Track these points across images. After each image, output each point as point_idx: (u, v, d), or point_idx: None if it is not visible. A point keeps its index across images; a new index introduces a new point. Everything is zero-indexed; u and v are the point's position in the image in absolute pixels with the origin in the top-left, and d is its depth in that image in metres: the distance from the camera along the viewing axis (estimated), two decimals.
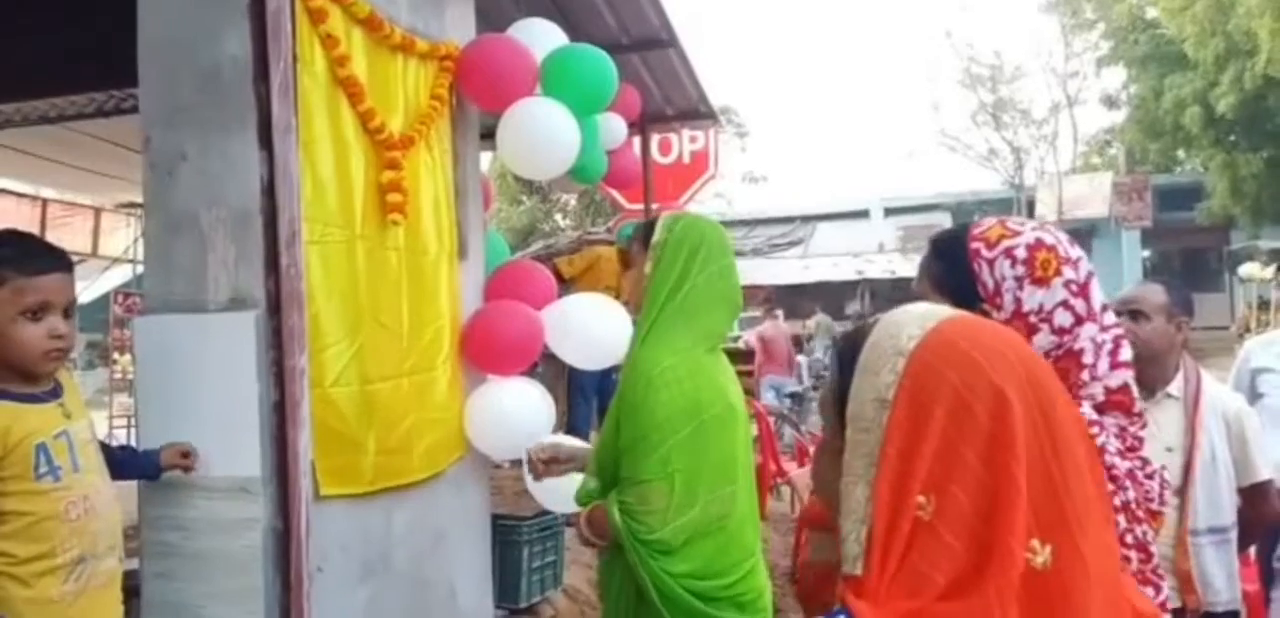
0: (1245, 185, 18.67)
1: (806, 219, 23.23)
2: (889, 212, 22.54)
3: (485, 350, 3.01)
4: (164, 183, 2.24)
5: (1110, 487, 1.23)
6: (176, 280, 2.22)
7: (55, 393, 1.95)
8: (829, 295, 18.62)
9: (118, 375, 10.53)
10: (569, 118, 2.99)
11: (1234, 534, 2.54)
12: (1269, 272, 16.69)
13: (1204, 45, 17.44)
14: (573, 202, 20.65)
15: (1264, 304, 16.62)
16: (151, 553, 2.21)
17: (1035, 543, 0.76)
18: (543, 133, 2.98)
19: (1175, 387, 2.58)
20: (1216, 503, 2.52)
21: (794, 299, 18.56)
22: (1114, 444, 1.27)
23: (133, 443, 2.28)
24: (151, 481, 2.16)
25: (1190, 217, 20.34)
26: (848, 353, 0.87)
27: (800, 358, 12.84)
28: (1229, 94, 17.34)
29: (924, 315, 0.85)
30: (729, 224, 21.59)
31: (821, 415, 0.98)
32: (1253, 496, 2.54)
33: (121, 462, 2.09)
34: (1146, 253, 21.33)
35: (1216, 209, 19.47)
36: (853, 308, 18.74)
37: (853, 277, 19.46)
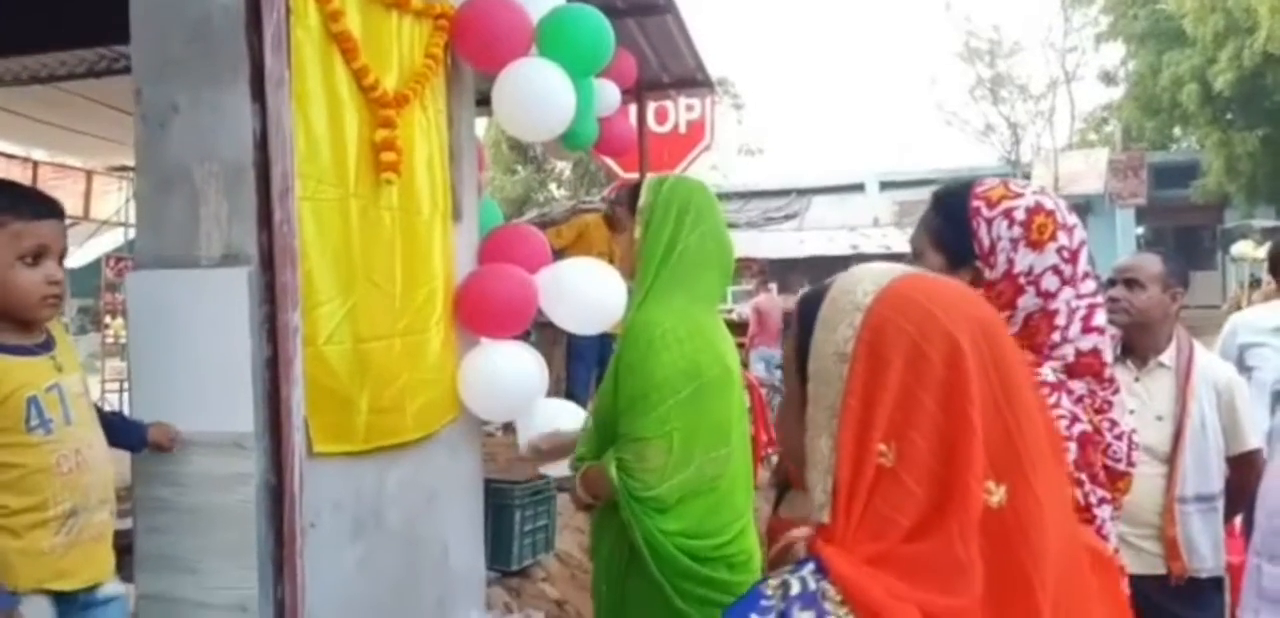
0: (1240, 164, 18.68)
1: (802, 192, 23.19)
2: (884, 185, 22.51)
3: (478, 313, 3.00)
4: (155, 136, 2.22)
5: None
6: (168, 236, 2.20)
7: (47, 345, 1.94)
8: (823, 269, 18.47)
9: (109, 340, 10.51)
10: (565, 79, 2.97)
11: (1221, 503, 2.56)
12: (1262, 251, 16.72)
13: (1203, 22, 17.38)
14: (567, 171, 20.59)
15: (1255, 283, 16.67)
16: (144, 508, 2.21)
17: (990, 484, 0.79)
18: (538, 94, 2.97)
19: (1167, 356, 2.59)
20: (1205, 471, 2.54)
21: (788, 273, 18.54)
22: (1067, 405, 1.28)
23: (124, 409, 2.27)
24: (135, 452, 2.17)
25: (1185, 195, 20.36)
26: (807, 312, 0.91)
27: None
28: (1227, 71, 17.31)
29: (879, 273, 0.89)
30: (724, 196, 21.56)
31: (783, 373, 1.00)
32: (1241, 465, 2.57)
33: (110, 425, 2.08)
34: (1141, 230, 21.37)
35: (1211, 187, 19.48)
36: None
37: (847, 251, 19.43)
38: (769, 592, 0.80)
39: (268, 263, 2.14)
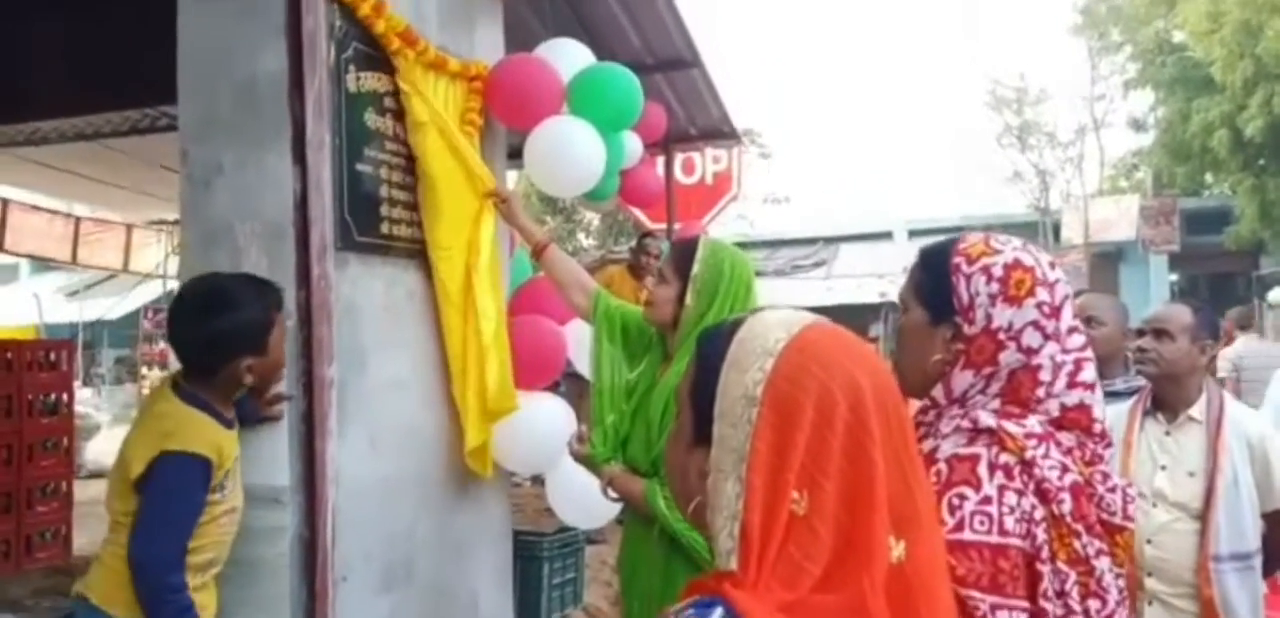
0: (1275, 210, 18.38)
1: (830, 240, 23.11)
2: (913, 233, 22.38)
3: (516, 363, 3.04)
4: (200, 195, 2.31)
5: (1040, 501, 1.24)
6: None
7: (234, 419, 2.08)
8: (852, 317, 18.35)
9: (146, 391, 10.68)
10: (595, 136, 3.03)
11: (1258, 561, 2.50)
12: None
13: (1232, 68, 17.23)
14: (596, 221, 20.72)
15: None
16: None
17: (890, 539, 0.80)
18: (569, 151, 3.03)
19: (1197, 410, 2.55)
20: (1239, 528, 2.49)
21: None
22: (1056, 456, 1.26)
23: None
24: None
25: (1218, 241, 20.04)
26: (709, 352, 0.91)
27: None
28: (1258, 117, 17.11)
29: (789, 319, 0.90)
30: (751, 245, 21.53)
31: (676, 406, 1.02)
32: (1277, 521, 2.52)
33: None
34: (1174, 277, 21.04)
35: (1245, 234, 19.18)
36: (876, 329, 18.62)
37: (876, 299, 19.30)
38: None
39: (306, 318, 2.20)
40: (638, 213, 8.32)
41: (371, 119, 2.53)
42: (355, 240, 2.44)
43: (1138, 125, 23.85)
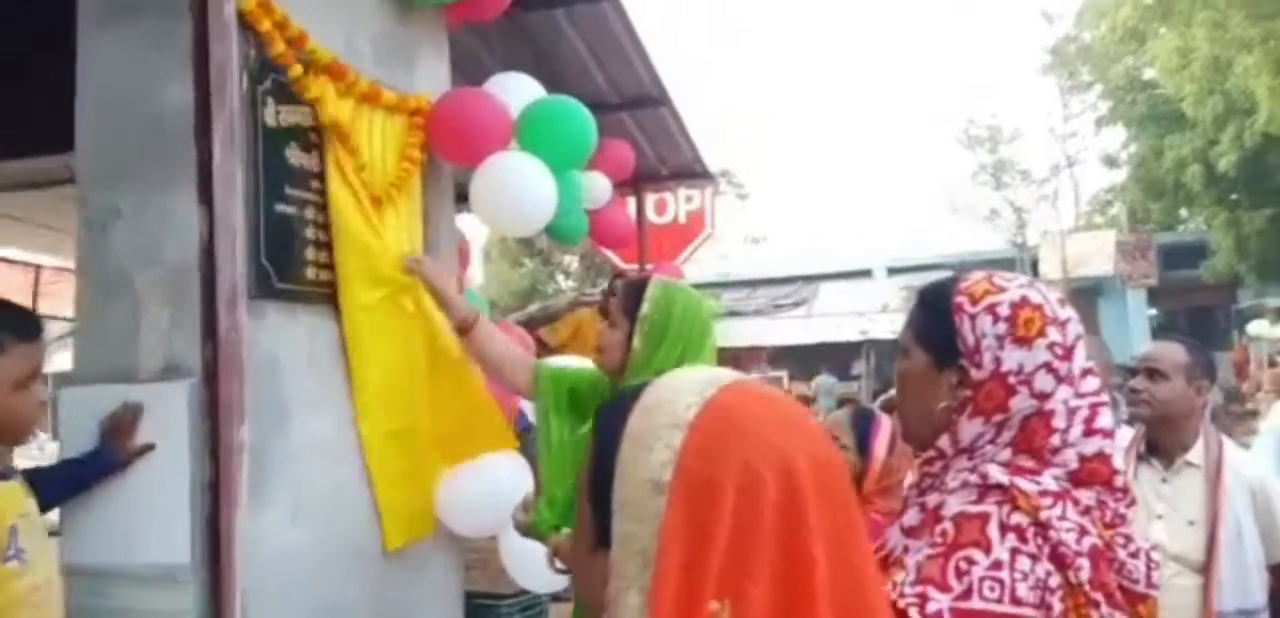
0: (1250, 243, 18.56)
1: (809, 279, 23.11)
2: (892, 271, 22.41)
3: None
4: (98, 242, 2.09)
5: (1056, 567, 1.12)
6: (106, 348, 2.05)
7: (13, 470, 1.81)
8: (833, 356, 18.41)
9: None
10: (544, 172, 2.84)
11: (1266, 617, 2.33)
12: (1278, 330, 16.49)
13: (1202, 104, 17.43)
14: (575, 263, 20.58)
15: (1274, 362, 16.38)
16: None
17: None
18: (517, 188, 2.84)
19: (1195, 454, 2.40)
20: (1244, 583, 2.33)
21: (798, 360, 18.34)
22: (1073, 517, 1.15)
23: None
24: (104, 477, 1.96)
25: (1196, 275, 20.19)
26: (609, 425, 0.73)
27: None
28: (1229, 152, 17.31)
29: (702, 381, 0.72)
30: (731, 285, 21.52)
31: (577, 500, 0.83)
32: None
33: (61, 480, 1.94)
34: (1153, 311, 21.13)
35: (1221, 267, 19.33)
36: (858, 367, 18.53)
37: (857, 337, 19.24)
38: None
39: (212, 375, 1.98)
40: (610, 255, 8.18)
41: (294, 156, 2.32)
42: (275, 287, 2.22)
43: (1111, 162, 24.14)
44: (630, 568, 0.68)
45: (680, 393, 0.72)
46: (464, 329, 2.51)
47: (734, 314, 19.85)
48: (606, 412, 0.77)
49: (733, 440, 0.68)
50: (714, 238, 10.03)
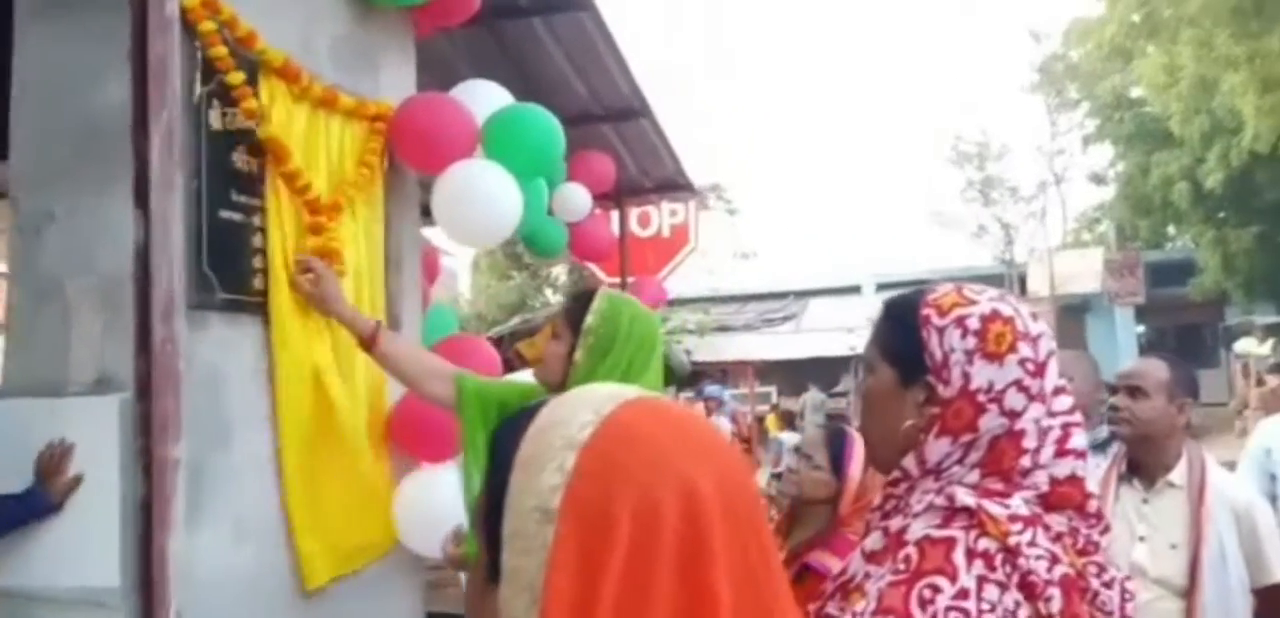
0: (1237, 261, 18.61)
1: (799, 295, 23.11)
2: (881, 287, 22.40)
3: (416, 433, 2.73)
4: (30, 247, 1.99)
5: (1025, 597, 1.05)
6: (37, 359, 1.95)
7: None
8: (822, 371, 18.37)
9: None
10: (508, 180, 2.76)
11: None
12: (1265, 347, 16.50)
13: (1189, 122, 17.49)
14: (563, 277, 20.47)
15: (1260, 380, 16.39)
16: None
17: None
18: (479, 196, 2.75)
19: (1177, 475, 2.32)
20: (1228, 607, 2.24)
21: (786, 375, 18.29)
22: (1044, 544, 1.08)
23: None
24: (40, 518, 1.84)
25: (1183, 292, 20.24)
26: (503, 449, 0.69)
27: (783, 437, 12.53)
28: (1216, 170, 17.36)
29: (601, 398, 0.66)
30: (719, 300, 21.46)
31: (473, 532, 0.76)
32: (1269, 599, 2.26)
33: None
34: (1141, 328, 21.17)
35: (1209, 285, 19.37)
36: (846, 382, 18.48)
37: (846, 352, 19.20)
38: None
39: (145, 390, 1.88)
40: (593, 268, 8.11)
41: (242, 160, 2.23)
42: (218, 297, 2.13)
43: (1098, 179, 24.21)
44: (518, 606, 0.62)
45: (577, 411, 0.65)
46: (368, 343, 2.32)
47: (723, 329, 19.81)
48: (502, 434, 0.70)
49: (629, 463, 0.61)
50: (703, 253, 10.00)
